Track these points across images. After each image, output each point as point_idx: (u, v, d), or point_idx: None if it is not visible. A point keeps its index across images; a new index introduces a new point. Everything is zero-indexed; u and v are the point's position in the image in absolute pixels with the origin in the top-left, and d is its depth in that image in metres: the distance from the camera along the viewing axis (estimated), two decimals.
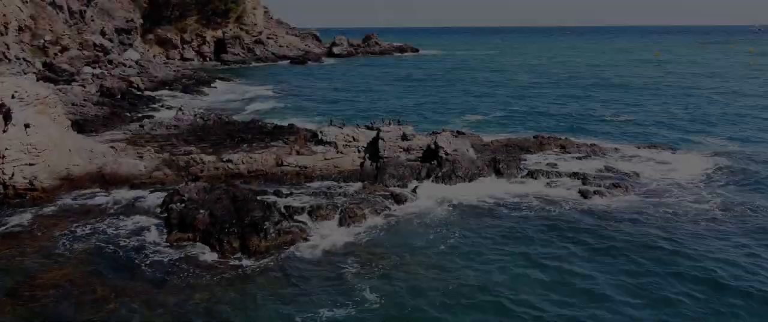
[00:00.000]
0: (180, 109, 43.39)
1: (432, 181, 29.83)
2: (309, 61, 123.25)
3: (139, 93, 66.10)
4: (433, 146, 31.89)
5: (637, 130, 44.86)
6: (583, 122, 47.81)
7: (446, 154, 31.47)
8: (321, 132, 35.38)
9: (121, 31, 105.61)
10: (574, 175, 30.57)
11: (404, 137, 32.79)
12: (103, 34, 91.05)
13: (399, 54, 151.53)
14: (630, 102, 58.70)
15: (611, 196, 27.38)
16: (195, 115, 42.87)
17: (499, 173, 31.30)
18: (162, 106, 57.34)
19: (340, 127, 36.84)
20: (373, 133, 35.56)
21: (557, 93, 67.33)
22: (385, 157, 31.57)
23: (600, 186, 28.29)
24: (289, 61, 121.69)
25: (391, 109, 54.68)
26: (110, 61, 75.40)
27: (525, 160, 33.87)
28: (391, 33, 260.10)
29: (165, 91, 68.27)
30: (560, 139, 37.61)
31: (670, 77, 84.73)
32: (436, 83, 78.33)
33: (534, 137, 37.70)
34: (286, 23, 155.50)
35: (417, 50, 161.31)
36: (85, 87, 64.42)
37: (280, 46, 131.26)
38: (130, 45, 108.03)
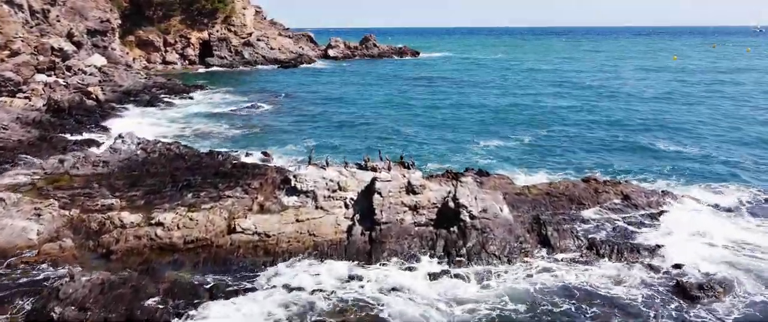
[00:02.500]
0: (120, 137, 33.56)
1: (452, 263, 20.08)
2: (302, 65, 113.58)
3: (96, 106, 56.53)
4: (451, 204, 22.16)
5: (701, 161, 35.20)
6: (628, 150, 38.15)
7: (471, 216, 21.74)
8: (295, 177, 25.66)
9: (95, 33, 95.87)
10: (657, 250, 20.87)
11: (410, 189, 23.04)
12: (70, 36, 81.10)
13: (398, 57, 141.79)
14: (675, 120, 48.86)
15: (732, 296, 17.64)
16: (138, 144, 33.07)
17: (546, 244, 21.61)
18: (117, 122, 47.43)
19: (321, 166, 27.12)
20: (367, 177, 25.93)
21: (583, 106, 57.47)
22: (383, 222, 21.79)
23: (708, 280, 18.54)
24: (279, 64, 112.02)
25: (390, 132, 44.82)
26: (68, 68, 65.55)
27: (578, 218, 24.16)
28: (397, 33, 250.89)
29: (130, 106, 58.54)
30: (618, 182, 27.85)
31: (703, 86, 74.86)
32: (441, 94, 68.34)
33: (584, 181, 27.96)
34: (281, 24, 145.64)
35: (417, 53, 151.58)
36: (30, 100, 54.69)
37: (272, 48, 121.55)
38: (106, 47, 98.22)
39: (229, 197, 25.21)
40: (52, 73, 64.29)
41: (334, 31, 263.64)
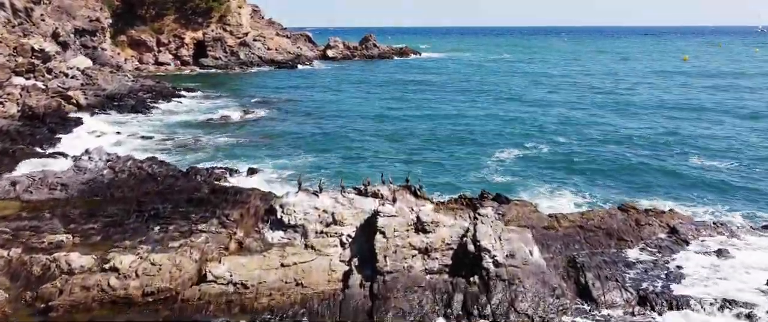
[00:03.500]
0: (86, 153, 29.45)
1: None
2: (299, 66, 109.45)
3: (75, 111, 52.53)
4: (470, 247, 18.09)
5: (745, 183, 31.12)
6: (656, 169, 34.08)
7: (496, 263, 17.67)
8: (282, 207, 21.60)
9: (84, 33, 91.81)
10: (729, 306, 16.81)
11: (420, 226, 18.95)
12: (56, 36, 77.11)
13: (399, 57, 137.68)
14: (706, 134, 44.63)
15: None
16: (107, 161, 28.98)
17: (587, 296, 17.54)
18: (92, 133, 43.35)
19: (313, 192, 23.08)
20: (367, 205, 21.98)
21: (599, 114, 53.37)
22: (387, 271, 17.68)
23: None
24: (276, 65, 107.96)
25: (391, 143, 40.69)
26: (49, 71, 61.31)
27: (622, 259, 20.10)
28: (397, 33, 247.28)
29: (112, 112, 54.57)
30: (662, 212, 23.80)
31: (729, 92, 70.65)
32: (446, 101, 64.16)
33: (621, 210, 23.85)
34: (278, 23, 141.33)
35: (418, 53, 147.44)
36: (3, 105, 50.51)
37: (268, 49, 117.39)
38: (95, 48, 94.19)
39: (202, 231, 21.10)
40: (31, 75, 60.12)
41: (334, 30, 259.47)
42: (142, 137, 42.74)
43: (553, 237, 21.42)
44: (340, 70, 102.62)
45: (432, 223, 19.01)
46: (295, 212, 21.37)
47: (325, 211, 21.67)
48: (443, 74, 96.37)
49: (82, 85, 60.40)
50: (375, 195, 23.76)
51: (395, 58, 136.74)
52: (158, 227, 21.62)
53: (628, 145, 40.82)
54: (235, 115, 54.02)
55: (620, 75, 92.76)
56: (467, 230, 18.92)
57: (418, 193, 24.67)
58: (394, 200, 20.38)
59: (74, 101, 55.53)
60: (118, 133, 43.75)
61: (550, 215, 24.23)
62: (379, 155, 37.62)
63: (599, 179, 32.35)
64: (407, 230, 18.94)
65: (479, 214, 20.95)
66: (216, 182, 28.36)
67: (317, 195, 23.00)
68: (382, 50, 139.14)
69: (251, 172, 33.33)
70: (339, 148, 40.04)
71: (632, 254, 20.74)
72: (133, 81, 68.35)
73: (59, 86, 58.11)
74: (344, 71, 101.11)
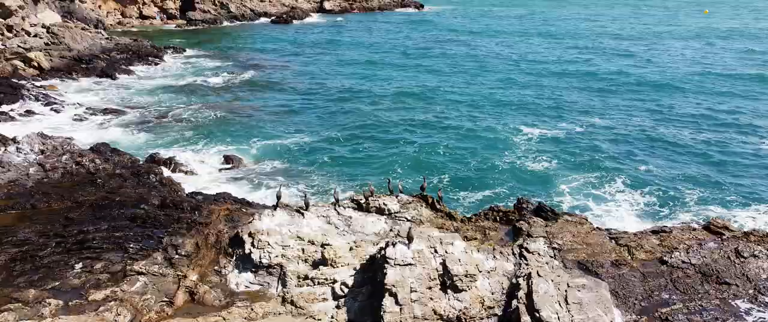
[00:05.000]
0: (14, 142, 23.20)
1: None
2: (295, 20, 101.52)
3: (35, 76, 46.10)
4: (526, 319, 12.03)
5: None
6: (730, 155, 27.72)
7: None
8: (252, 236, 15.56)
9: None
10: None
11: (447, 280, 12.91)
12: None
13: (400, 9, 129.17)
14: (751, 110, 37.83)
15: None
16: (41, 152, 22.79)
17: None
18: (49, 105, 37.01)
19: (297, 209, 17.08)
20: (369, 226, 16.23)
21: (630, 82, 46.42)
22: None
23: None
24: (270, 19, 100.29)
25: (398, 122, 34.21)
26: (9, 29, 54.26)
27: (732, 313, 14.17)
28: None
29: (78, 77, 48.02)
30: (766, 235, 17.70)
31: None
32: (456, 64, 56.93)
33: (710, 231, 17.80)
34: None
35: (421, 6, 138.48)
36: None
37: (261, 1, 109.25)
38: (72, 1, 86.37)
39: (140, 273, 15.07)
40: None
41: None
42: (105, 111, 36.28)
43: (628, 282, 15.39)
44: (338, 27, 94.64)
45: (465, 276, 12.91)
46: (269, 244, 15.30)
47: (311, 242, 15.62)
48: (449, 32, 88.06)
49: (46, 44, 53.48)
50: (380, 211, 17.75)
51: (396, 10, 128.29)
52: (81, 264, 15.57)
53: (676, 122, 34.40)
54: (219, 80, 47.48)
55: (646, 39, 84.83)
56: (517, 287, 12.84)
57: (438, 206, 18.64)
58: (410, 239, 14.15)
59: (35, 64, 48.90)
60: (78, 105, 37.17)
61: (612, 235, 18.17)
62: (384, 134, 31.30)
63: (650, 167, 26.30)
64: (430, 287, 12.90)
65: (527, 250, 14.92)
66: (174, 185, 22.15)
67: (302, 214, 16.92)
68: (382, 2, 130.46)
69: (227, 161, 27.15)
70: (336, 125, 33.66)
71: (743, 306, 14.76)
72: (107, 40, 61.17)
73: (19, 46, 51.29)
74: (343, 28, 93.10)
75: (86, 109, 36.72)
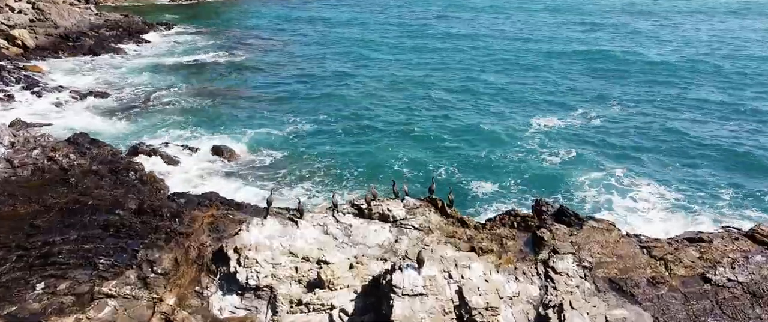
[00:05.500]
0: None
1: None
2: None
3: (19, 55, 43.79)
4: None
5: None
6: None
7: None
8: (238, 252, 13.60)
9: None
10: None
11: (464, 314, 10.99)
12: None
13: None
14: None
15: None
16: (11, 145, 20.74)
17: None
18: (31, 88, 34.79)
19: (290, 217, 15.12)
20: (371, 236, 14.44)
21: (661, 65, 43.67)
22: None
23: None
24: None
25: (403, 109, 32.02)
26: None
27: None
28: None
29: (64, 56, 45.75)
30: None
31: None
32: (455, 41, 54.12)
33: (753, 239, 15.81)
34: None
35: None
36: None
37: None
38: None
39: (109, 295, 13.15)
40: None
41: None
42: (89, 94, 34.09)
43: (669, 305, 13.45)
44: (336, 1, 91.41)
45: (486, 309, 10.95)
46: (257, 262, 13.32)
47: (306, 258, 13.66)
48: (450, 8, 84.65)
49: (31, 21, 50.94)
50: (384, 218, 15.77)
51: None
52: (43, 284, 13.64)
53: (700, 109, 32.14)
54: (212, 60, 45.13)
55: (661, 5, 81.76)
56: (546, 320, 10.88)
57: (448, 210, 16.62)
58: (420, 262, 12.14)
59: (19, 42, 46.44)
60: (61, 88, 34.95)
61: (643, 244, 16.20)
62: (384, 124, 29.13)
63: (674, 160, 24.28)
64: None
65: (554, 269, 12.96)
66: (157, 182, 20.14)
67: (296, 222, 14.92)
68: None
69: (216, 152, 25.08)
70: (333, 112, 31.37)
71: None
72: (96, 15, 58.58)
73: (2, 24, 48.78)
74: (341, 2, 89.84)
75: (70, 92, 34.50)
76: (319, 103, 32.85)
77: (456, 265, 12.09)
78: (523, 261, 14.68)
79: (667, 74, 39.80)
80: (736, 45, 50.85)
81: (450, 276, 11.82)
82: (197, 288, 13.62)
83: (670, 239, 16.91)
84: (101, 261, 14.24)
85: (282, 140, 26.83)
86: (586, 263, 13.68)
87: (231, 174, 22.84)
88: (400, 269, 11.78)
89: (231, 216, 16.30)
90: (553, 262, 13.31)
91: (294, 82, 37.77)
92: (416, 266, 11.82)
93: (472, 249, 15.44)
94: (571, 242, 15.61)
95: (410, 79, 38.20)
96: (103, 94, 34.84)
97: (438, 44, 52.40)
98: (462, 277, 11.76)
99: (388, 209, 16.09)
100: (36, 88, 35.41)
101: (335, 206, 16.08)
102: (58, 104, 32.60)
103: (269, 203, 15.45)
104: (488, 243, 15.78)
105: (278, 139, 27.08)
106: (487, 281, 12.12)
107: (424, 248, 12.99)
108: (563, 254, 13.68)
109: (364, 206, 16.16)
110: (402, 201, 16.69)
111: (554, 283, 12.60)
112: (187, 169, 23.13)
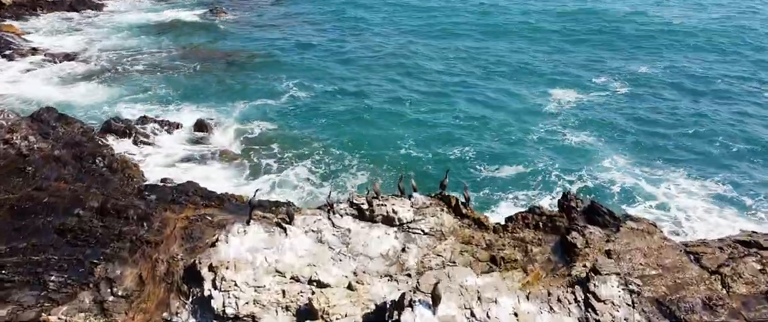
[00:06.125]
0: None
1: None
2: None
3: None
4: None
5: None
6: None
7: None
8: (214, 270, 11.28)
9: None
10: None
11: None
12: None
13: None
14: None
15: None
16: None
17: None
18: (1, 51, 31.94)
19: (276, 223, 12.73)
20: (374, 250, 12.01)
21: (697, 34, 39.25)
22: None
23: None
24: None
25: (410, 78, 29.01)
26: None
27: None
28: None
29: (42, 14, 42.70)
30: None
31: None
32: (467, 12, 49.73)
33: None
34: None
35: None
36: None
37: None
38: None
39: None
40: None
41: None
42: (66, 58, 31.28)
43: None
44: None
45: None
46: (237, 285, 11.02)
47: (295, 278, 11.37)
48: None
49: None
50: (388, 220, 13.44)
51: None
52: None
53: (738, 79, 29.15)
54: (200, 18, 41.89)
55: None
56: None
57: (463, 210, 14.24)
58: (435, 299, 9.78)
59: None
60: (34, 51, 32.04)
61: (689, 249, 13.92)
62: (388, 97, 26.34)
63: (714, 141, 21.65)
64: None
65: (596, 296, 10.65)
66: (129, 169, 17.66)
67: (284, 229, 12.57)
68: None
69: (200, 128, 22.54)
70: (333, 81, 28.49)
71: None
72: None
73: None
74: None
75: (44, 56, 31.65)
76: (318, 71, 29.85)
77: (479, 298, 9.76)
78: (554, 277, 12.41)
79: (705, 41, 35.76)
80: None
81: (473, 314, 9.53)
82: (165, 315, 11.36)
83: (720, 242, 14.59)
84: (52, 278, 11.96)
85: (274, 113, 24.28)
86: (633, 286, 11.34)
87: (214, 157, 20.32)
88: (411, 305, 9.46)
89: (209, 218, 13.92)
90: (595, 285, 11.00)
91: (288, 46, 34.66)
92: (430, 302, 9.48)
93: (493, 259, 13.16)
94: (609, 251, 13.31)
95: (416, 49, 34.45)
96: (80, 58, 32.02)
97: (445, 13, 48.31)
98: (488, 316, 9.45)
99: (393, 210, 13.72)
100: (7, 52, 32.49)
101: (331, 206, 13.69)
102: (29, 70, 29.83)
103: (253, 205, 13.06)
104: (511, 251, 13.47)
105: (271, 111, 24.52)
106: (516, 314, 9.81)
107: (436, 268, 10.65)
108: (606, 274, 11.32)
109: (365, 207, 13.76)
110: (409, 199, 14.31)
111: (597, 315, 10.35)
112: (167, 150, 20.63)
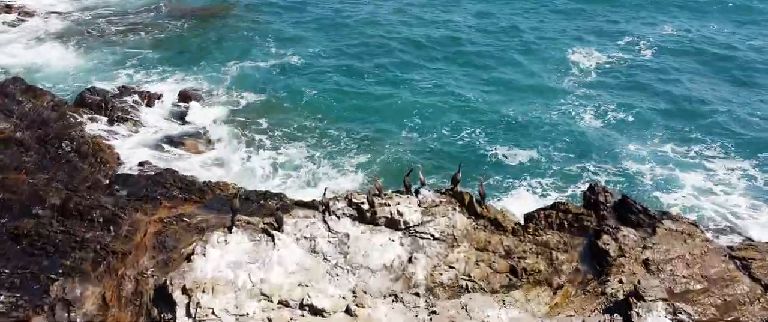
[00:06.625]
0: None
1: None
2: None
3: None
4: None
5: None
6: None
7: None
8: (192, 294, 9.60)
9: None
10: None
11: None
12: None
13: None
14: None
15: None
16: None
17: None
18: None
19: (263, 230, 10.95)
20: (375, 262, 10.41)
21: None
22: None
23: None
24: None
25: (401, 51, 25.90)
26: None
27: None
28: None
29: None
30: None
31: None
32: None
33: None
34: None
35: None
36: None
37: None
38: None
39: None
40: None
41: None
42: (46, 14, 28.93)
43: None
44: None
45: None
46: (215, 314, 9.32)
47: (283, 303, 9.69)
48: None
49: None
50: (392, 223, 11.70)
51: None
52: None
53: None
54: None
55: None
56: None
57: (478, 209, 12.44)
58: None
59: None
60: (8, 8, 29.61)
61: (734, 254, 12.25)
62: (392, 62, 23.95)
63: (758, 114, 19.47)
64: None
65: None
66: (101, 152, 15.79)
67: (271, 237, 10.86)
68: None
69: (184, 98, 20.51)
70: (332, 45, 25.88)
71: None
72: None
73: None
74: None
75: (18, 14, 29.20)
76: (314, 31, 27.30)
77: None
78: (586, 296, 10.72)
79: None
80: None
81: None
82: None
83: None
84: (0, 299, 10.23)
85: (268, 79, 22.20)
86: (683, 315, 9.60)
87: (201, 134, 18.35)
88: None
89: (186, 220, 12.10)
90: (638, 315, 9.26)
91: (286, 5, 31.62)
92: None
93: (513, 270, 11.43)
94: (647, 260, 11.57)
95: (420, 12, 30.65)
96: (62, 14, 29.62)
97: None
98: None
99: (398, 211, 11.92)
100: None
101: (327, 206, 11.89)
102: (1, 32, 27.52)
103: (234, 210, 11.24)
104: (533, 259, 11.71)
105: (264, 77, 22.42)
106: None
107: (448, 283, 8.90)
108: (651, 300, 9.58)
109: (366, 207, 11.94)
110: (416, 196, 12.47)
111: None
112: (146, 127, 18.62)
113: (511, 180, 16.43)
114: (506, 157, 17.09)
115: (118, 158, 16.38)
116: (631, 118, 19.28)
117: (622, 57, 24.11)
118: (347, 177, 16.00)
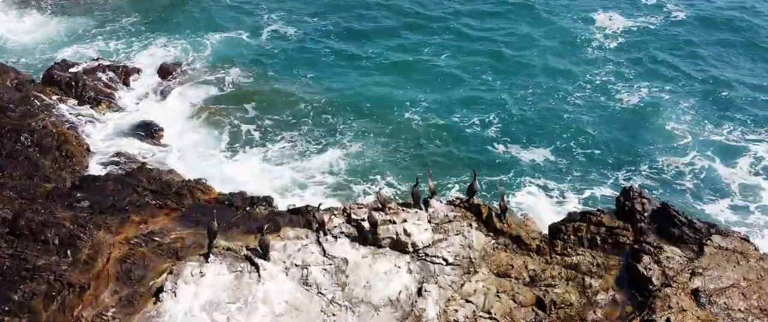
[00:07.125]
0: None
1: None
2: None
3: None
4: None
5: None
6: None
7: None
8: None
9: None
10: None
11: None
12: None
13: None
14: None
15: None
16: None
17: None
18: None
19: (246, 257, 9.17)
20: (378, 295, 8.70)
21: None
22: None
23: None
24: None
25: (402, 25, 23.08)
26: None
27: None
28: None
29: None
30: None
31: None
32: None
33: None
34: None
35: None
36: None
37: None
38: None
39: None
40: None
41: None
42: None
43: None
44: None
45: None
46: None
47: None
48: None
49: None
50: (398, 245, 9.97)
51: None
52: None
53: None
54: None
55: None
56: None
57: (498, 224, 10.69)
58: None
59: None
60: None
61: None
62: (399, 47, 21.11)
63: None
64: None
65: None
66: (67, 144, 13.96)
67: (256, 267, 9.16)
68: None
69: (164, 73, 18.48)
70: (327, 12, 23.21)
71: None
72: None
73: None
74: None
75: None
76: (307, 3, 24.51)
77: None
78: None
79: None
80: None
81: None
82: None
83: None
84: None
85: (255, 51, 20.09)
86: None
87: (179, 117, 16.37)
88: None
89: (157, 240, 10.33)
90: None
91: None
92: None
93: (540, 303, 9.78)
94: (697, 290, 9.89)
95: None
96: None
97: None
98: None
99: (405, 231, 10.15)
100: None
101: (321, 224, 10.15)
102: None
103: (212, 234, 9.49)
104: (563, 288, 10.06)
105: (251, 49, 20.30)
106: None
107: None
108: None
109: (367, 226, 10.17)
110: (426, 212, 10.69)
111: None
112: (121, 107, 16.65)
113: (532, 183, 14.44)
114: (523, 155, 14.99)
115: (88, 150, 14.53)
116: (664, 96, 17.14)
117: (651, 18, 21.62)
118: (342, 178, 14.08)
